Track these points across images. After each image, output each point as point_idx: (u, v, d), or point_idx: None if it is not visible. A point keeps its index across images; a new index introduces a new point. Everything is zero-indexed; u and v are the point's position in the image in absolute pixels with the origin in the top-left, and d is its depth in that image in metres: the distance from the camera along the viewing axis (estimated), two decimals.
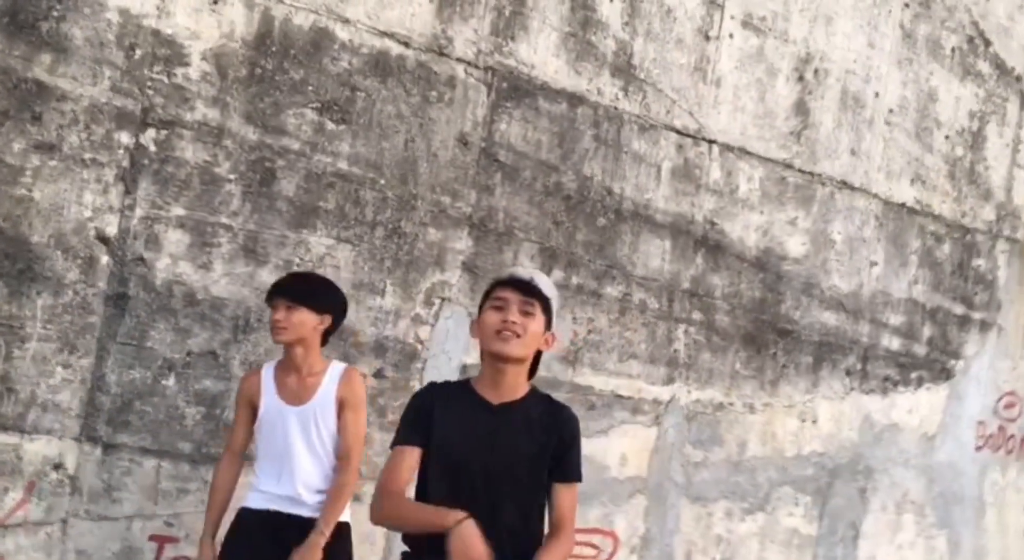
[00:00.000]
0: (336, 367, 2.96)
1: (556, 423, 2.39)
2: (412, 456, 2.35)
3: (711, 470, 4.24)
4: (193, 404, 3.11)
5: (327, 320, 2.92)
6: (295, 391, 2.90)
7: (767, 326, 4.39)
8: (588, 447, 2.89)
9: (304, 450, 2.89)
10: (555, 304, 2.46)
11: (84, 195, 2.90)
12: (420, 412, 2.38)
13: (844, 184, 4.62)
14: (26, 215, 2.82)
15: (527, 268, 2.50)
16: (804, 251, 4.50)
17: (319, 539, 2.80)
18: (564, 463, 2.39)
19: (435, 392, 2.44)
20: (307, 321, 2.87)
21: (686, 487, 4.16)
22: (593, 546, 3.93)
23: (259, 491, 2.93)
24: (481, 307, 2.43)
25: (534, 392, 2.45)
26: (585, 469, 2.50)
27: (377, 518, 2.37)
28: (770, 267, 4.40)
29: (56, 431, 2.83)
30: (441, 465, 2.34)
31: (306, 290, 2.92)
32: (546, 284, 2.46)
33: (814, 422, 4.56)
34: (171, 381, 3.07)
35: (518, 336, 2.31)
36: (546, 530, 2.42)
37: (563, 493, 2.39)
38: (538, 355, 2.46)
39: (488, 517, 2.23)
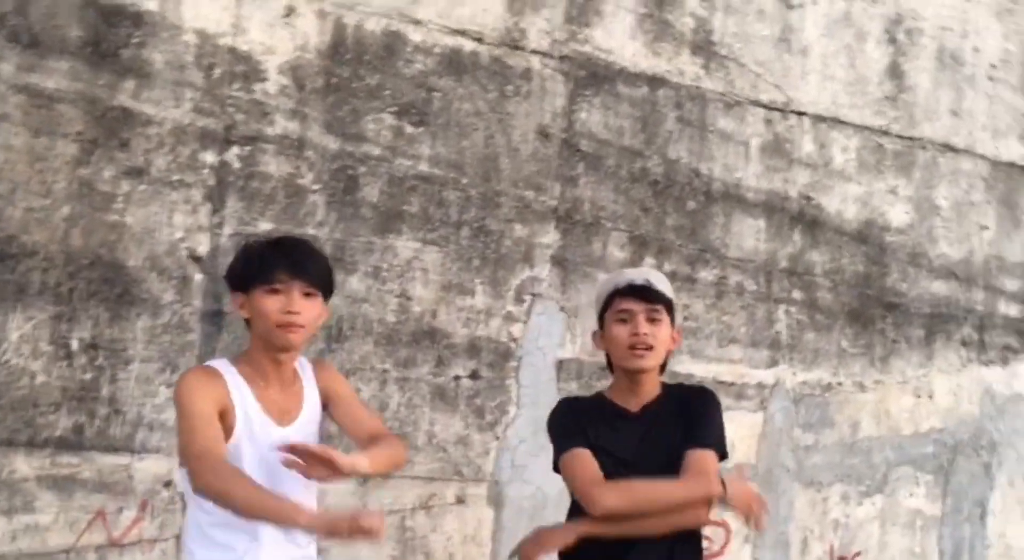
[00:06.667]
0: (301, 362, 2.23)
1: (689, 400, 2.39)
2: (589, 454, 2.29)
3: (823, 453, 4.10)
4: None
5: (326, 312, 2.18)
6: (282, 406, 2.13)
7: (873, 301, 4.21)
8: None
9: (301, 489, 2.09)
10: (674, 299, 2.44)
11: (175, 216, 2.94)
12: (573, 423, 2.36)
13: (947, 147, 4.40)
14: (120, 240, 2.88)
15: (638, 270, 2.53)
16: (908, 220, 4.30)
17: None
18: (692, 428, 2.33)
19: (577, 408, 2.43)
20: (321, 316, 2.15)
21: (798, 472, 4.03)
22: (705, 537, 3.84)
23: None
24: (601, 317, 2.41)
25: (666, 387, 2.44)
26: None
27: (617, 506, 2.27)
28: (872, 239, 4.22)
29: (164, 449, 2.88)
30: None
31: (325, 271, 2.14)
32: (663, 282, 2.43)
33: (930, 397, 4.37)
34: None
35: (650, 348, 2.31)
36: None
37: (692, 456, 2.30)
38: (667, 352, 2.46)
39: None
